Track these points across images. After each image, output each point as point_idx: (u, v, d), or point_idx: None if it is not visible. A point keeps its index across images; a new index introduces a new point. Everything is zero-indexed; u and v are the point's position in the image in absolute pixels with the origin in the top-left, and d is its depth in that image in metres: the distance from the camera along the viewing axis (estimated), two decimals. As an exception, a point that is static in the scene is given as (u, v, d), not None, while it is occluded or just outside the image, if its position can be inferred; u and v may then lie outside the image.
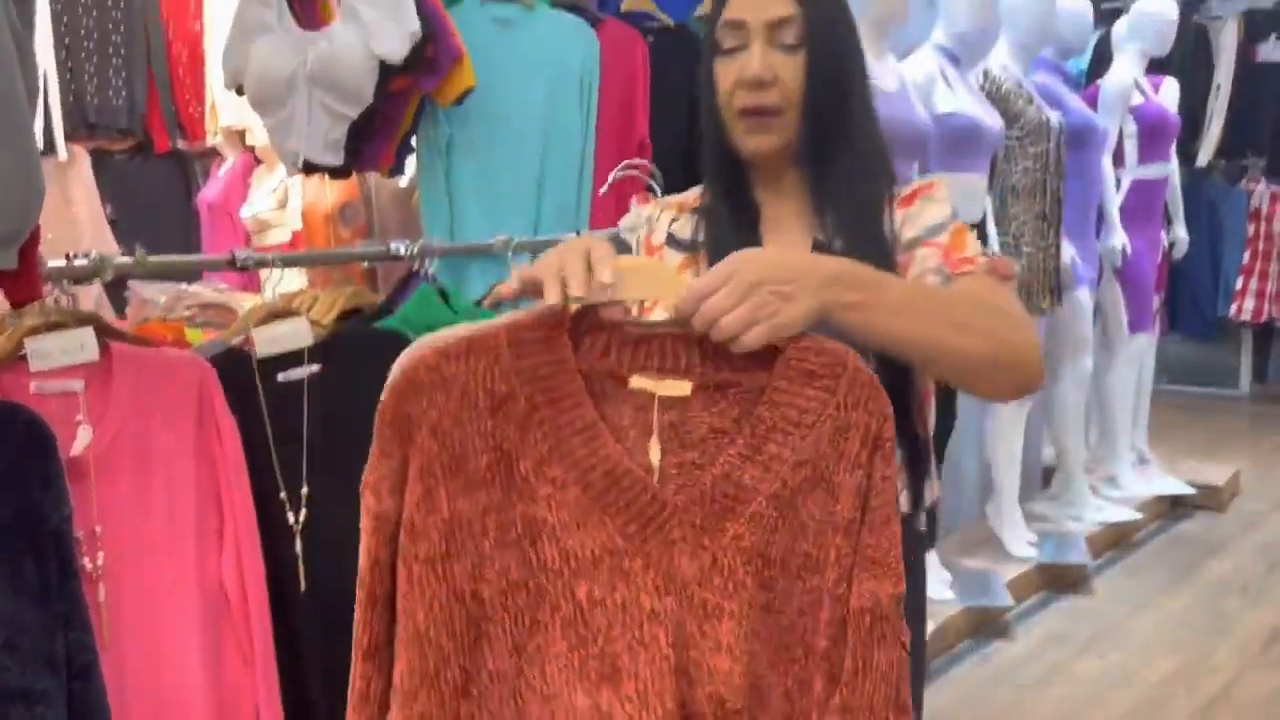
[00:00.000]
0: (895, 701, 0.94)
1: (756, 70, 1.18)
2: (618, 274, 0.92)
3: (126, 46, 3.49)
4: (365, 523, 0.96)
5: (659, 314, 1.13)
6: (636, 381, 0.94)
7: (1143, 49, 4.10)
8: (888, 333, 1.00)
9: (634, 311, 1.04)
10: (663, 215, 1.35)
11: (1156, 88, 4.26)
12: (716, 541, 0.92)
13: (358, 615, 0.96)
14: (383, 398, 0.94)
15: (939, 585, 3.30)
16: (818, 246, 1.23)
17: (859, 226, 1.23)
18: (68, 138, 3.38)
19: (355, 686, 0.97)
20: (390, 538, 0.95)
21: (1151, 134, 4.07)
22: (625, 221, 1.38)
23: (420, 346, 0.98)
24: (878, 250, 1.18)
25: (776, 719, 0.94)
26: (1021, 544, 3.70)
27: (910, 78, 2.93)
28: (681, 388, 0.94)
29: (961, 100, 3.05)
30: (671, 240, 1.33)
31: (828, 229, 1.24)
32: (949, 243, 1.21)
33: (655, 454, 0.93)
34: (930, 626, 3.12)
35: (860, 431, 0.93)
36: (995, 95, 3.26)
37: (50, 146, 3.32)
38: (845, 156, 1.23)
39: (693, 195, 1.35)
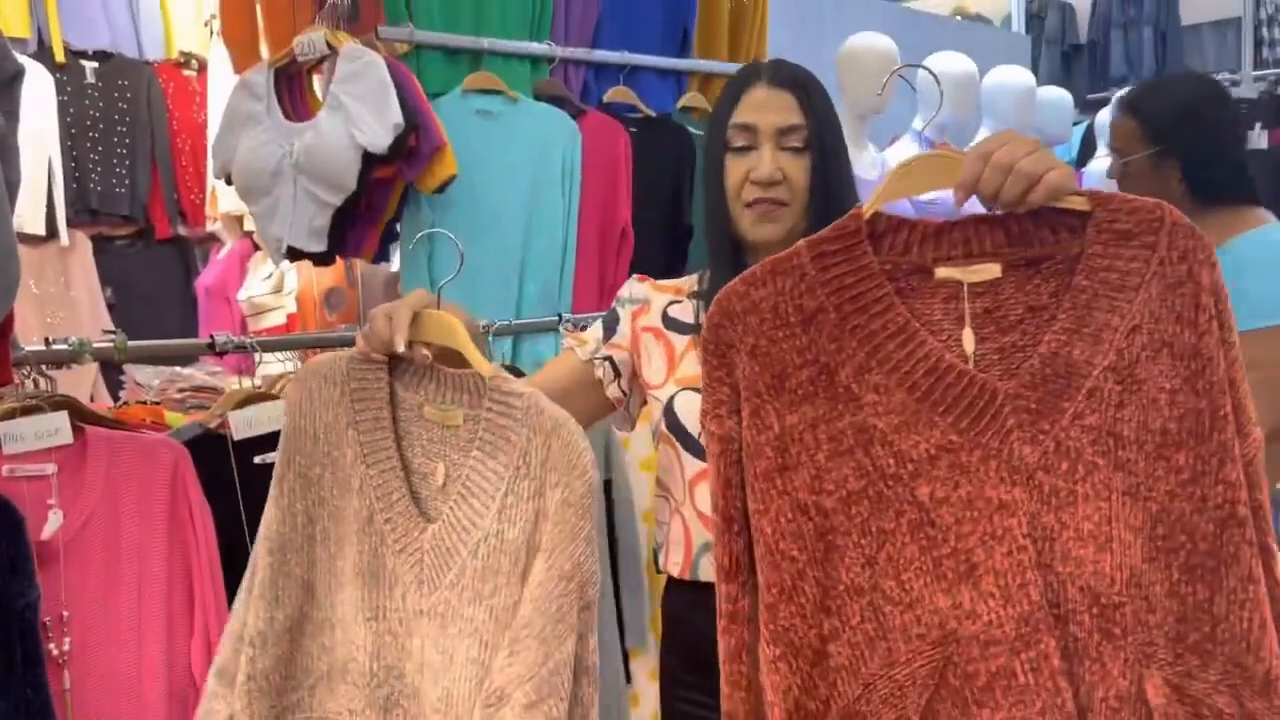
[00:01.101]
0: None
1: (768, 172, 1.31)
2: (415, 325, 1.11)
3: (131, 135, 3.59)
4: (711, 446, 0.97)
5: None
6: (943, 272, 0.93)
7: (1124, 137, 4.17)
8: None
9: None
10: (659, 297, 1.43)
11: (1140, 174, 4.33)
12: (1056, 424, 0.87)
13: (716, 537, 0.98)
14: (703, 332, 0.99)
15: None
16: None
17: None
18: (70, 223, 3.44)
19: (722, 609, 0.98)
20: (736, 459, 0.96)
21: (1136, 220, 4.12)
22: (623, 293, 1.46)
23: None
24: None
25: (1167, 618, 0.86)
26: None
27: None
28: (990, 271, 0.92)
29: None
30: (670, 322, 1.40)
31: None
32: None
33: (970, 342, 0.92)
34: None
35: (1197, 284, 0.87)
36: (977, 183, 3.32)
37: (53, 232, 3.39)
38: None
39: (688, 281, 1.45)
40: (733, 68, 2.76)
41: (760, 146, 1.32)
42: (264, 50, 2.28)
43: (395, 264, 2.56)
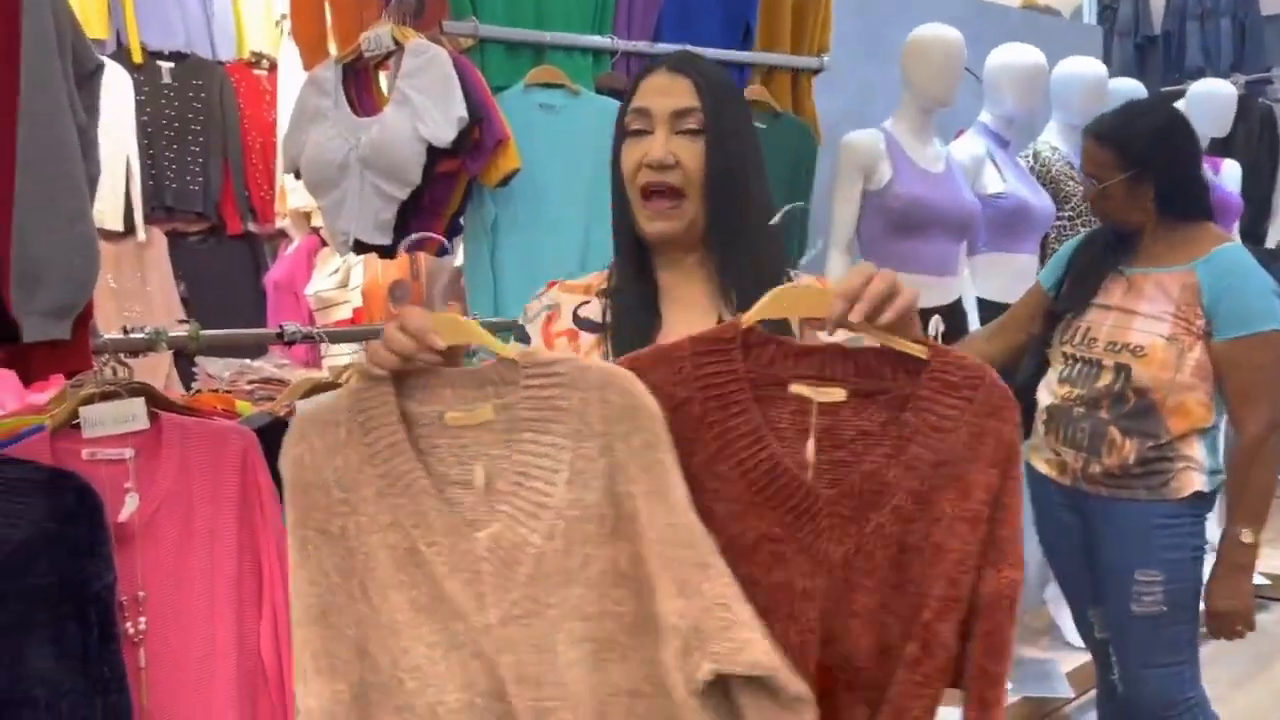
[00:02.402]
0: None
1: (660, 154, 1.28)
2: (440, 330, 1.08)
3: (204, 134, 3.68)
4: None
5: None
6: (796, 388, 1.07)
7: (1201, 130, 4.06)
8: None
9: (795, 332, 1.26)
10: (568, 298, 1.39)
11: (1217, 169, 4.22)
12: (861, 530, 1.04)
13: None
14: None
15: (995, 674, 3.19)
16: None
17: None
18: (147, 220, 3.55)
19: None
20: None
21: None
22: (530, 308, 1.41)
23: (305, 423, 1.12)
24: (780, 327, 1.24)
25: (897, 681, 1.04)
26: (1083, 633, 3.58)
27: (957, 159, 2.95)
28: (836, 394, 1.06)
29: (1010, 182, 3.05)
30: (581, 322, 1.36)
31: (732, 308, 1.29)
32: None
33: (810, 452, 1.06)
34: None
35: (994, 437, 1.03)
36: (1045, 177, 3.26)
37: (130, 228, 3.50)
38: (746, 238, 1.30)
39: (598, 277, 1.41)
40: (796, 60, 2.75)
41: (655, 130, 1.29)
42: (332, 47, 2.33)
43: (459, 257, 2.59)
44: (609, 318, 1.33)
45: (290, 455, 1.10)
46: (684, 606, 1.01)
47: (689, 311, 1.32)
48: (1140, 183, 2.15)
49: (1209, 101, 4.06)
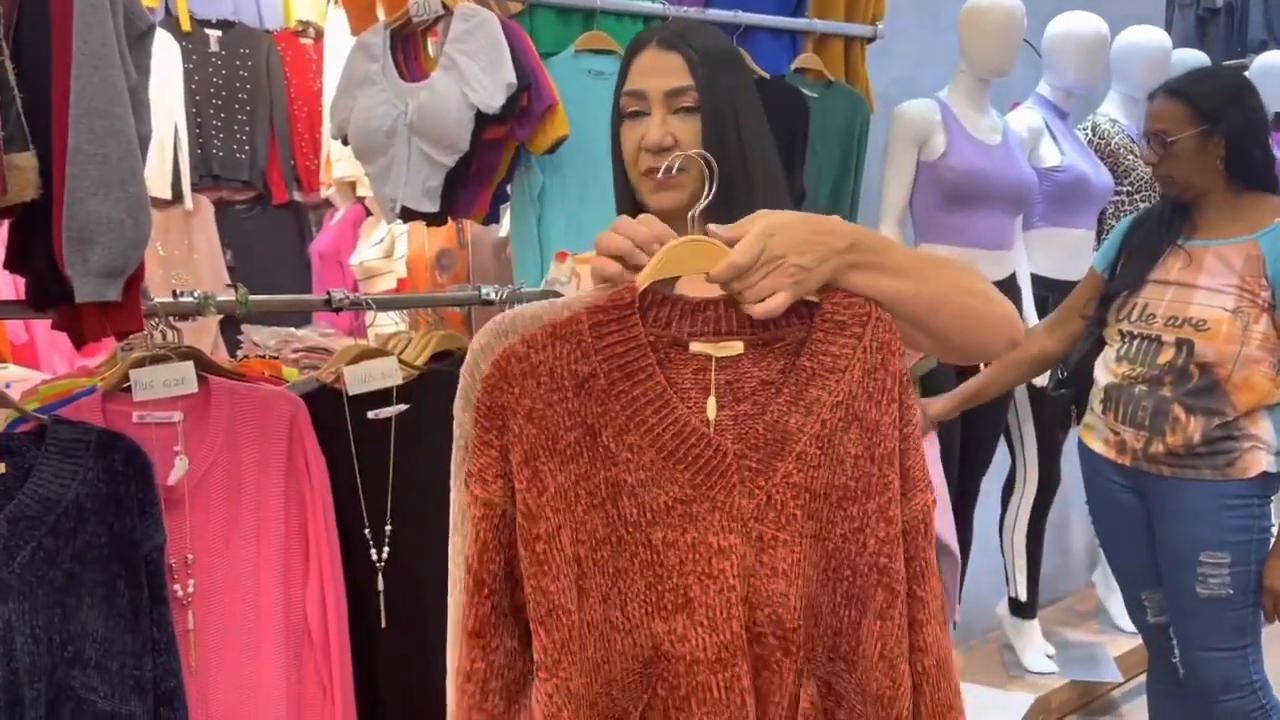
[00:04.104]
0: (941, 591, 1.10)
1: (656, 137, 1.26)
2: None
3: (251, 103, 3.68)
4: (474, 511, 1.05)
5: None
6: (696, 346, 1.06)
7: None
8: (891, 291, 1.08)
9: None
10: (584, 269, 1.39)
11: (1280, 144, 4.10)
12: (770, 481, 1.03)
13: (464, 599, 1.05)
14: (477, 392, 1.03)
15: (1039, 656, 3.15)
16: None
17: None
18: (194, 188, 3.56)
19: (460, 667, 1.05)
20: (498, 523, 1.04)
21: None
22: (552, 274, 1.43)
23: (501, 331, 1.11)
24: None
25: (827, 633, 1.05)
26: (1132, 616, 3.51)
27: (1014, 131, 2.88)
28: (734, 348, 1.06)
29: (1068, 154, 2.98)
30: None
31: None
32: None
33: (712, 410, 1.05)
34: (1030, 699, 2.99)
35: (886, 370, 1.05)
36: (1104, 150, 3.18)
37: (178, 196, 3.51)
38: (749, 209, 1.24)
39: None
40: (849, 28, 2.69)
41: (651, 111, 1.27)
42: (380, 12, 2.30)
43: (505, 226, 2.57)
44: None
45: (501, 381, 1.03)
46: None
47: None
48: (1210, 139, 2.09)
49: (1272, 75, 3.93)
